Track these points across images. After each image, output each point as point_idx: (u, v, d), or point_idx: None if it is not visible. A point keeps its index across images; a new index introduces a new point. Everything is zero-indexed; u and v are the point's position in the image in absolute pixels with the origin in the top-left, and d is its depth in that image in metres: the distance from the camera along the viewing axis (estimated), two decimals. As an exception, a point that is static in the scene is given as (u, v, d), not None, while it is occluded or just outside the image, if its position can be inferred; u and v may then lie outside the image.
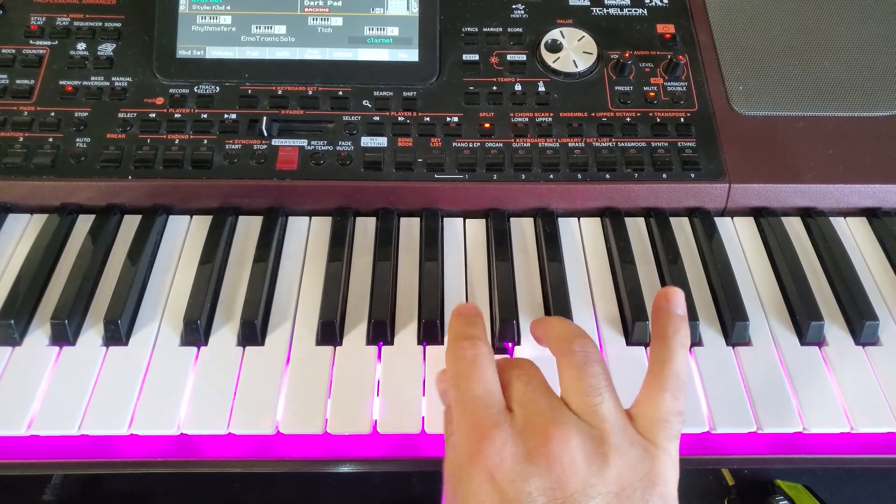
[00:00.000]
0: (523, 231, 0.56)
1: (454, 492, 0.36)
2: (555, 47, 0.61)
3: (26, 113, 0.57)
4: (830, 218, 0.57)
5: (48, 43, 0.60)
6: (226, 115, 0.57)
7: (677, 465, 0.36)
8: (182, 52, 0.59)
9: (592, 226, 0.57)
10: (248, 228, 0.56)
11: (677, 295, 0.40)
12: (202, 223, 0.56)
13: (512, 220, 0.57)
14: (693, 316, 0.49)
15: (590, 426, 0.35)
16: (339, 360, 0.47)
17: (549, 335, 0.40)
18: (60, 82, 0.58)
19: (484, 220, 0.57)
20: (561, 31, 0.62)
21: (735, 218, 0.58)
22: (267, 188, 0.55)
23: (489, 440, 0.34)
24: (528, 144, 0.57)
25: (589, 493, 0.33)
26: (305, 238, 0.55)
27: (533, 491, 0.33)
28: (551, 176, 0.56)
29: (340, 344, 0.48)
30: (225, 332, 0.49)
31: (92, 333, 0.48)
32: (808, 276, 0.53)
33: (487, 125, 0.58)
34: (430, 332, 0.48)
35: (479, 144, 0.57)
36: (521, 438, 0.34)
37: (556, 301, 0.50)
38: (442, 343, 0.49)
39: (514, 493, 0.33)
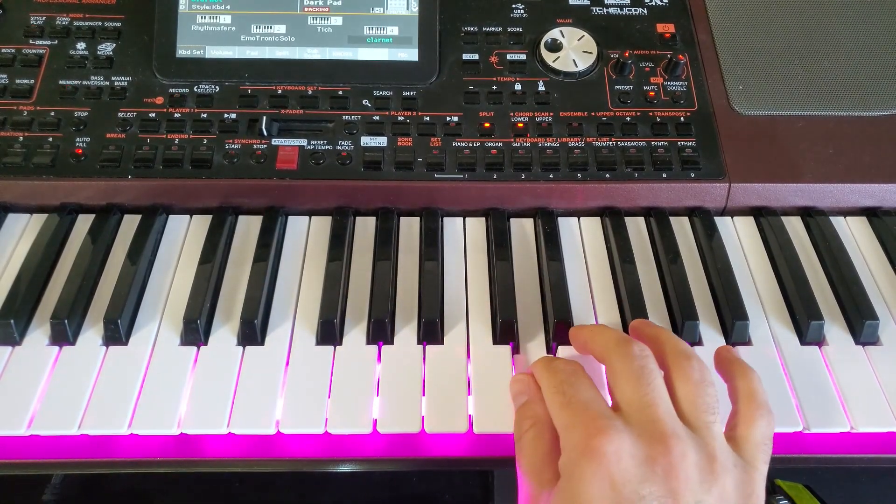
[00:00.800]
0: (523, 231, 0.56)
1: (539, 488, 0.36)
2: (555, 47, 0.61)
3: (26, 112, 0.57)
4: (830, 217, 0.57)
5: (48, 42, 0.60)
6: (225, 115, 0.57)
7: (763, 487, 0.37)
8: (182, 52, 0.59)
9: (592, 225, 0.57)
10: (248, 228, 0.56)
11: (734, 349, 0.45)
12: (202, 223, 0.56)
13: (512, 219, 0.57)
14: (693, 316, 0.49)
15: (703, 442, 0.36)
16: (338, 359, 0.47)
17: (664, 348, 0.40)
18: (60, 82, 0.58)
19: (484, 220, 0.57)
20: (561, 31, 0.62)
21: (735, 217, 0.58)
22: (267, 188, 0.55)
23: (607, 438, 0.34)
24: (528, 144, 0.57)
25: None
26: (305, 237, 0.55)
27: (647, 496, 0.33)
28: (551, 175, 0.56)
29: (340, 343, 0.48)
30: (225, 332, 0.49)
31: (92, 333, 0.48)
32: (808, 276, 0.53)
33: (487, 125, 0.58)
34: (430, 332, 0.48)
35: (478, 144, 0.57)
36: (640, 441, 0.35)
37: (556, 301, 0.50)
38: (442, 342, 0.49)
39: (629, 493, 0.33)
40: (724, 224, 0.57)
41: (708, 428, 0.36)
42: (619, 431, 0.35)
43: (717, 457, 0.35)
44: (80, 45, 0.60)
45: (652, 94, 0.59)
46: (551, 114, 0.58)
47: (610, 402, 0.39)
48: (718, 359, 0.44)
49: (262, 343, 0.48)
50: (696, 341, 0.49)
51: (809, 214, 0.58)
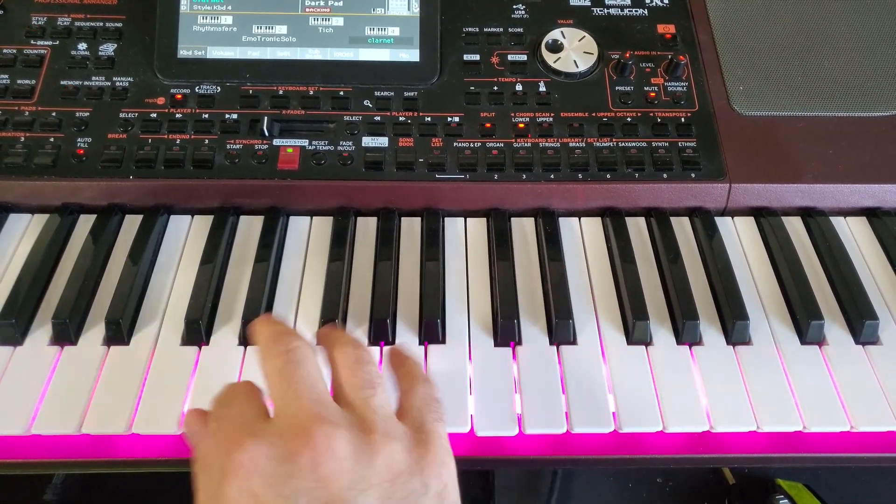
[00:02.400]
0: (524, 231, 0.56)
1: None
2: (555, 47, 0.61)
3: (27, 113, 0.57)
4: (831, 218, 0.58)
5: (49, 43, 0.60)
6: (227, 115, 0.57)
7: (449, 449, 0.36)
8: (183, 52, 0.59)
9: (593, 225, 0.57)
10: (250, 228, 0.56)
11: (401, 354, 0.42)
12: (203, 223, 0.56)
13: (513, 219, 0.57)
14: (693, 315, 0.49)
15: (360, 418, 0.34)
16: (340, 359, 0.47)
17: (326, 340, 0.40)
18: (61, 82, 0.58)
19: (485, 220, 0.57)
20: (562, 32, 0.62)
21: (735, 217, 0.58)
22: (268, 188, 0.55)
23: (240, 447, 0.32)
24: (529, 144, 0.57)
25: (359, 487, 0.31)
26: (306, 238, 0.55)
27: (294, 492, 0.31)
28: (552, 176, 0.56)
29: (342, 343, 0.48)
30: (226, 332, 0.49)
31: (93, 333, 0.48)
32: (809, 276, 0.53)
33: (488, 125, 0.58)
34: (432, 332, 0.49)
35: (479, 144, 0.57)
36: (281, 440, 0.32)
37: (557, 301, 0.50)
38: (443, 342, 0.49)
39: (272, 499, 0.30)
40: (724, 224, 0.57)
41: (366, 403, 0.35)
42: (256, 438, 0.32)
43: (376, 427, 0.33)
44: (82, 46, 0.60)
45: (652, 94, 0.60)
46: (552, 114, 0.58)
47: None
48: (386, 363, 0.42)
49: (263, 343, 0.48)
50: (696, 341, 0.49)
51: (810, 215, 0.58)
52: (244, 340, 0.48)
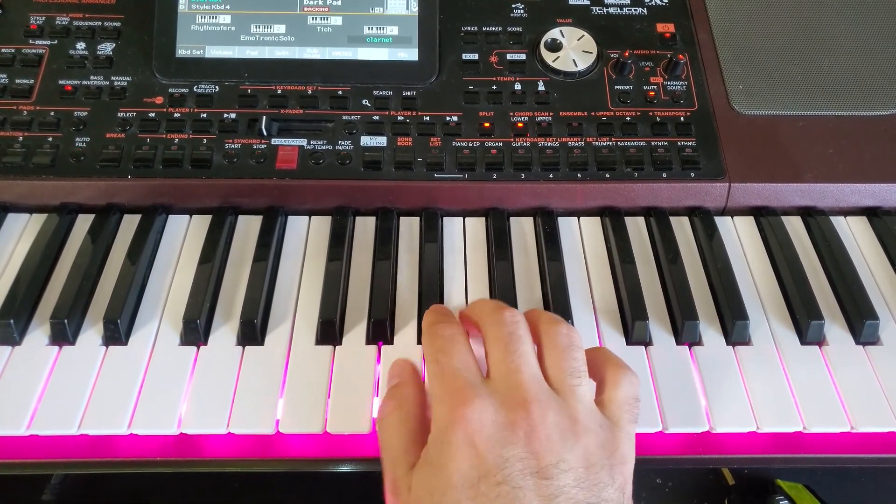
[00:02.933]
0: (523, 230, 0.56)
1: (401, 472, 0.37)
2: (554, 46, 0.61)
3: (26, 112, 0.57)
4: (831, 217, 0.57)
5: (47, 42, 0.60)
6: (225, 115, 0.57)
7: (634, 448, 0.39)
8: (181, 52, 0.59)
9: (592, 225, 0.57)
10: (248, 228, 0.56)
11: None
12: (202, 223, 0.56)
13: (512, 219, 0.57)
14: (693, 315, 0.49)
15: (566, 404, 0.37)
16: (338, 359, 0.47)
17: (534, 318, 0.42)
18: (60, 82, 0.58)
19: (484, 220, 0.57)
20: (560, 31, 0.62)
21: (735, 217, 0.58)
22: (266, 187, 0.55)
23: (470, 405, 0.36)
24: (528, 144, 0.57)
25: (561, 467, 0.35)
26: (305, 237, 0.55)
27: (511, 457, 0.34)
28: (551, 175, 0.56)
29: (340, 343, 0.48)
30: (224, 332, 0.49)
31: (91, 333, 0.48)
32: (809, 276, 0.53)
33: (487, 124, 0.57)
34: (430, 332, 0.48)
35: (478, 144, 0.57)
36: (503, 408, 0.36)
37: (556, 300, 0.50)
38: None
39: (492, 457, 0.34)
40: (724, 224, 0.57)
41: (572, 391, 0.38)
42: (483, 399, 0.36)
43: (580, 418, 0.37)
44: (80, 45, 0.60)
45: (652, 93, 0.59)
46: (551, 113, 0.58)
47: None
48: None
49: (261, 343, 0.48)
50: (696, 341, 0.49)
51: (810, 214, 0.58)
52: (243, 339, 0.48)
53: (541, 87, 0.59)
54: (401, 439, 0.39)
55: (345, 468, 0.46)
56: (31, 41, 0.60)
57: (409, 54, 0.60)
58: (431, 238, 0.54)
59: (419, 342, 0.48)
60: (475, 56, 0.61)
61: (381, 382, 0.46)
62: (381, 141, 0.57)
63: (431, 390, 0.39)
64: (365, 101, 0.58)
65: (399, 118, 0.58)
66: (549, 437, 0.35)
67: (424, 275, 0.52)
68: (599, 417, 0.38)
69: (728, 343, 0.49)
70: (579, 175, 0.56)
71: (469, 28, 0.62)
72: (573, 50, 0.61)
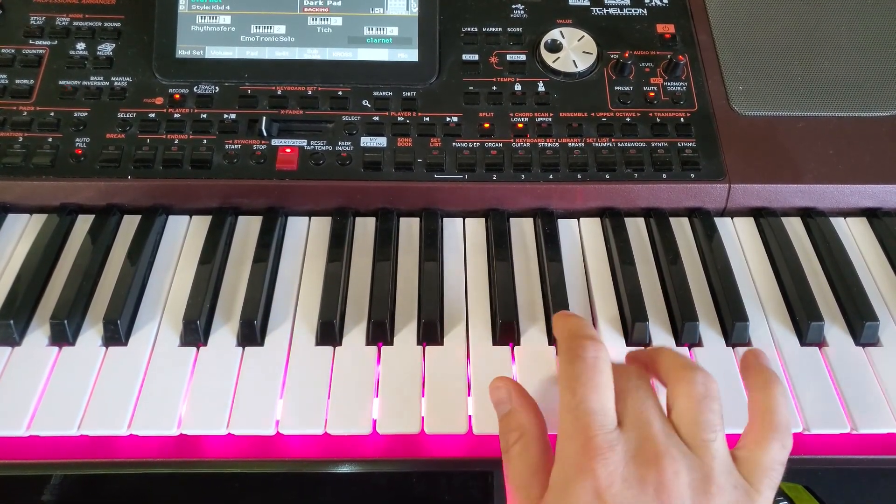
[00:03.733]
0: (523, 231, 0.56)
1: (530, 502, 0.36)
2: (554, 47, 0.61)
3: (26, 113, 0.57)
4: (830, 218, 0.57)
5: (47, 43, 0.60)
6: (225, 115, 0.57)
7: None
8: (181, 52, 0.59)
9: (592, 226, 0.57)
10: (248, 228, 0.56)
11: (764, 354, 0.43)
12: (202, 223, 0.56)
13: (511, 220, 0.57)
14: (693, 317, 0.49)
15: (700, 461, 0.35)
16: (338, 360, 0.47)
17: (665, 361, 0.40)
18: (60, 82, 0.58)
19: (483, 220, 0.57)
20: (561, 31, 0.62)
21: (735, 218, 0.58)
22: (266, 188, 0.55)
23: (602, 460, 0.34)
24: (528, 144, 0.57)
25: None
26: (305, 238, 0.55)
27: None
28: (551, 176, 0.56)
29: (340, 344, 0.48)
30: (224, 332, 0.49)
31: (91, 333, 0.48)
32: (808, 277, 0.52)
33: (487, 125, 0.57)
34: (430, 333, 0.48)
35: (478, 144, 0.57)
36: (633, 463, 0.34)
37: (556, 301, 0.50)
38: (441, 343, 0.49)
39: None
40: (724, 225, 0.57)
41: (706, 447, 0.36)
42: (616, 453, 0.35)
43: (714, 478, 0.35)
44: (80, 46, 0.60)
45: (652, 94, 0.59)
46: (551, 114, 0.58)
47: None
48: (744, 363, 0.43)
49: (261, 343, 0.48)
50: (695, 342, 0.49)
51: (809, 215, 0.58)
52: (243, 340, 0.48)
53: (541, 88, 0.59)
54: (525, 470, 0.38)
55: (345, 469, 0.46)
56: (31, 41, 0.60)
57: (410, 55, 0.60)
58: (431, 239, 0.54)
59: (419, 343, 0.48)
60: (475, 57, 0.61)
61: (382, 383, 0.46)
62: (381, 142, 0.57)
63: (562, 422, 0.37)
64: (365, 102, 0.58)
65: (399, 119, 0.58)
66: (679, 496, 0.34)
67: (424, 276, 0.52)
68: (736, 477, 0.36)
69: (728, 344, 0.49)
70: (579, 176, 0.56)
71: (469, 29, 0.62)
72: (573, 51, 0.61)
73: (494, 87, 0.59)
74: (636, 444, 0.35)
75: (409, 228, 0.56)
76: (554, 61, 0.60)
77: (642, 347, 0.49)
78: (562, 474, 0.35)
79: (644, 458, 0.35)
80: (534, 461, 0.38)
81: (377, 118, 0.58)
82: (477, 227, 0.57)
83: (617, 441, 0.35)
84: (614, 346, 0.49)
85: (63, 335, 0.47)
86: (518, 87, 0.59)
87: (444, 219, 0.57)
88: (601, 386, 0.37)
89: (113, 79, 0.58)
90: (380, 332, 0.48)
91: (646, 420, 0.36)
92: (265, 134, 0.56)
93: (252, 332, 0.48)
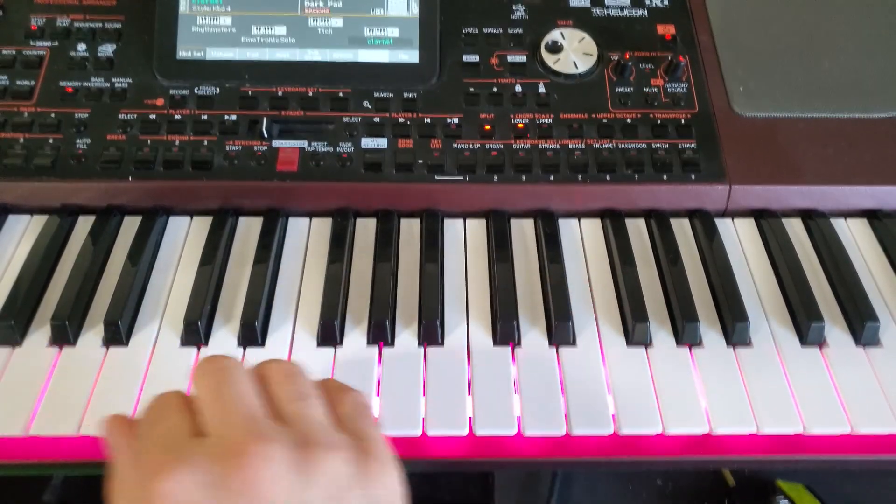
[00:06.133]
0: (523, 232, 0.56)
1: None
2: (555, 48, 0.61)
3: (26, 114, 0.57)
4: (831, 219, 0.57)
5: (48, 44, 0.60)
6: (226, 117, 0.57)
7: (390, 452, 0.34)
8: (182, 53, 0.59)
9: (593, 227, 0.57)
10: (249, 229, 0.56)
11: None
12: (202, 224, 0.56)
13: (512, 221, 0.57)
14: (693, 317, 0.49)
15: (297, 432, 0.31)
16: (339, 361, 0.47)
17: (258, 370, 0.36)
18: (60, 83, 0.58)
19: (484, 221, 0.57)
20: (561, 33, 0.62)
21: (735, 219, 0.58)
22: (267, 189, 0.55)
23: (165, 476, 0.28)
24: (529, 146, 0.57)
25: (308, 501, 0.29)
26: (306, 239, 0.55)
27: None
28: (551, 177, 0.56)
29: (341, 345, 0.48)
30: (225, 333, 0.49)
31: (92, 334, 0.48)
32: (809, 278, 0.53)
33: (488, 126, 0.58)
34: (431, 333, 0.48)
35: (479, 145, 0.57)
36: (213, 464, 0.29)
37: (556, 302, 0.50)
38: (442, 344, 0.49)
39: None
40: (724, 226, 0.57)
41: (300, 415, 0.32)
42: (182, 462, 0.29)
43: (314, 439, 0.31)
44: (81, 47, 0.60)
45: (652, 95, 0.59)
46: (552, 115, 0.58)
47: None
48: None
49: (262, 344, 0.48)
50: (696, 343, 0.49)
51: (810, 216, 0.58)
52: (243, 341, 0.48)
53: (541, 89, 0.60)
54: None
55: (345, 470, 0.46)
56: (31, 42, 0.60)
57: (410, 56, 0.60)
58: (432, 240, 0.54)
59: (419, 344, 0.49)
60: (476, 58, 0.61)
61: (382, 384, 0.46)
62: (382, 142, 0.57)
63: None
64: (366, 103, 0.58)
65: (400, 120, 0.58)
66: (274, 477, 0.29)
67: (425, 277, 0.52)
68: (341, 434, 0.32)
69: (728, 344, 0.49)
70: (580, 177, 0.56)
71: (470, 30, 0.62)
72: (574, 52, 0.61)
73: (495, 89, 0.59)
74: (214, 444, 0.30)
75: (410, 229, 0.56)
76: (554, 62, 0.60)
77: (643, 349, 0.49)
78: None
79: (224, 452, 0.29)
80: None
81: (378, 119, 0.58)
82: (477, 227, 0.57)
83: (187, 449, 0.30)
84: (615, 347, 0.49)
85: (64, 336, 0.47)
86: (518, 89, 0.60)
87: (445, 220, 0.57)
88: (167, 413, 0.33)
89: (114, 80, 0.58)
90: (380, 333, 0.49)
91: (223, 414, 0.32)
92: (266, 135, 0.56)
93: (253, 333, 0.48)
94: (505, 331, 0.49)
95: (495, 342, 0.49)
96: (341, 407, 0.35)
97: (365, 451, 0.32)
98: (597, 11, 0.63)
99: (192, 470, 0.29)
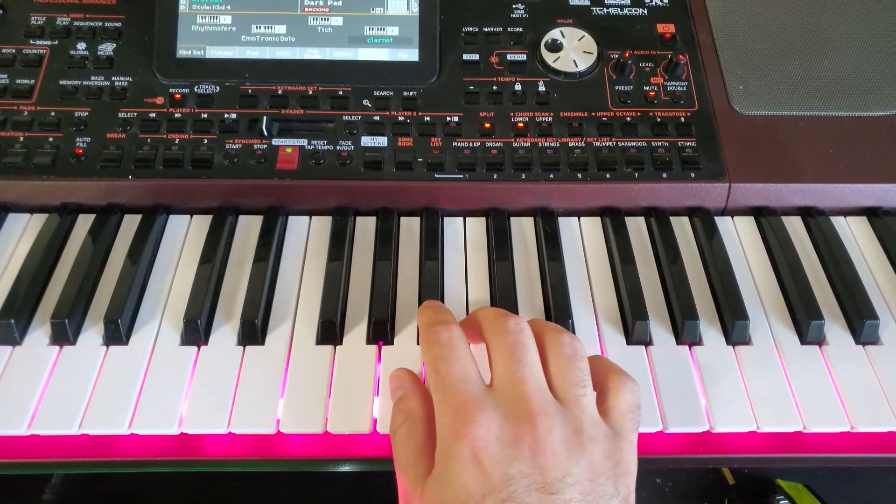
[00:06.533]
0: (523, 230, 0.56)
1: (413, 483, 0.37)
2: (555, 47, 0.61)
3: (26, 112, 0.57)
4: (831, 217, 0.57)
5: (48, 43, 0.60)
6: (226, 115, 0.57)
7: (636, 458, 0.38)
8: (182, 52, 0.59)
9: (592, 225, 0.57)
10: (249, 228, 0.56)
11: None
12: (202, 223, 0.56)
13: (512, 219, 0.57)
14: (693, 315, 0.49)
15: (571, 415, 0.37)
16: (339, 359, 0.47)
17: (537, 327, 0.41)
18: (61, 82, 0.58)
19: (484, 220, 0.57)
20: (561, 31, 0.62)
21: (735, 217, 0.58)
22: (267, 188, 0.55)
23: (475, 423, 0.35)
24: (529, 144, 0.57)
25: (567, 481, 0.34)
26: (305, 237, 0.55)
27: (516, 474, 0.34)
28: (551, 175, 0.56)
29: (341, 343, 0.48)
30: (225, 332, 0.49)
31: (92, 333, 0.48)
32: (809, 276, 0.53)
33: (487, 125, 0.58)
34: (431, 332, 0.48)
35: (479, 144, 0.57)
36: (507, 422, 0.35)
37: (556, 300, 0.50)
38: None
39: (497, 475, 0.34)
40: (724, 224, 0.57)
41: (577, 401, 0.38)
42: (488, 415, 0.36)
43: (585, 429, 0.36)
44: (81, 46, 0.60)
45: (652, 94, 0.59)
46: (551, 114, 0.58)
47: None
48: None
49: (262, 343, 0.48)
50: (696, 341, 0.49)
51: (810, 214, 0.58)
52: (243, 340, 0.48)
53: (541, 88, 0.60)
54: (410, 451, 0.39)
55: (345, 468, 0.46)
56: (31, 41, 0.60)
57: (410, 55, 0.60)
58: (432, 239, 0.54)
59: (419, 342, 0.48)
60: (476, 56, 0.61)
61: (382, 382, 0.46)
62: (382, 141, 0.57)
63: (435, 401, 0.38)
64: (365, 102, 0.58)
65: (400, 118, 0.58)
66: (554, 451, 0.35)
67: (425, 275, 0.52)
68: (605, 427, 0.38)
69: (728, 343, 0.49)
70: (580, 175, 0.56)
71: (470, 28, 0.62)
72: (574, 50, 0.61)
73: (495, 87, 0.59)
74: (509, 404, 0.36)
75: (410, 228, 0.56)
76: (554, 61, 0.60)
77: (642, 347, 0.49)
78: (442, 447, 0.36)
79: (518, 415, 0.36)
80: (418, 442, 0.39)
81: (378, 118, 0.58)
82: (477, 226, 0.57)
83: (487, 404, 0.36)
84: (615, 345, 0.49)
85: (64, 334, 0.47)
86: (518, 87, 0.60)
87: (445, 218, 0.57)
88: (461, 359, 0.39)
89: (113, 78, 0.58)
90: (380, 332, 0.49)
91: (518, 380, 0.37)
92: (266, 133, 0.56)
93: (253, 332, 0.48)
94: (505, 329, 0.49)
95: (495, 340, 0.49)
96: (617, 400, 0.39)
97: (620, 450, 0.37)
98: (596, 10, 0.63)
99: (494, 423, 0.35)
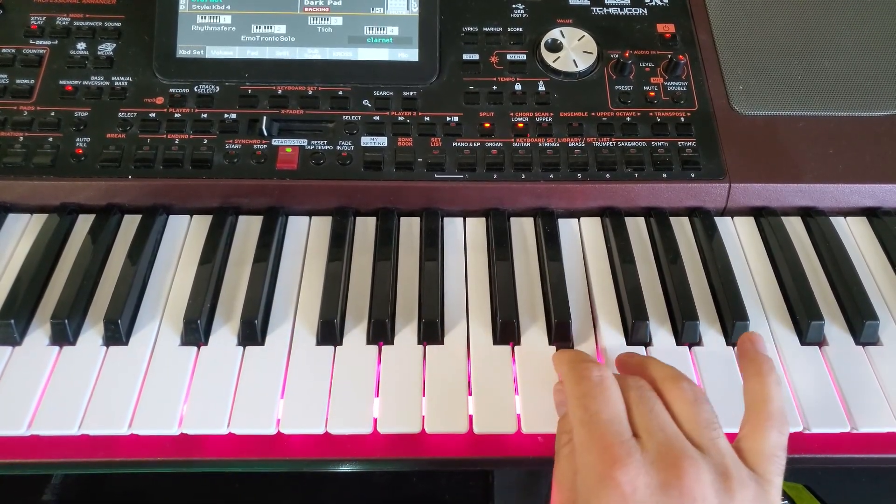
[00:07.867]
0: (523, 231, 0.56)
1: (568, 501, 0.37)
2: (555, 47, 0.61)
3: (26, 112, 0.57)
4: (831, 217, 0.57)
5: (48, 42, 0.60)
6: (226, 115, 0.57)
7: (779, 492, 0.37)
8: (182, 52, 0.59)
9: (592, 225, 0.57)
10: (248, 228, 0.56)
11: (760, 338, 0.43)
12: (202, 223, 0.56)
13: (512, 219, 0.57)
14: (693, 316, 0.49)
15: (713, 460, 0.36)
16: (339, 359, 0.47)
17: (652, 374, 0.41)
18: (60, 82, 0.58)
19: (484, 220, 0.57)
20: (561, 31, 0.62)
21: (735, 217, 0.58)
22: (267, 188, 0.55)
23: (623, 467, 0.35)
24: (528, 144, 0.57)
25: None
26: (305, 238, 0.55)
27: None
28: (551, 176, 0.56)
29: (340, 344, 0.48)
30: (225, 332, 0.49)
31: (92, 333, 0.48)
32: (809, 276, 0.53)
33: (487, 125, 0.58)
34: (431, 332, 0.48)
35: (479, 144, 0.57)
36: (653, 468, 0.35)
37: (556, 301, 0.50)
38: (442, 343, 0.49)
39: None
40: (724, 224, 0.57)
41: (714, 444, 0.37)
42: (635, 460, 0.35)
43: (732, 473, 0.36)
44: (81, 45, 0.60)
45: (652, 94, 0.59)
46: (551, 114, 0.58)
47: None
48: (741, 349, 0.44)
49: (262, 343, 0.48)
50: (696, 341, 0.49)
51: (810, 214, 0.58)
52: (243, 340, 0.48)
53: (541, 88, 0.60)
54: (570, 471, 0.38)
55: (345, 468, 0.46)
56: (31, 41, 0.60)
57: (410, 55, 0.60)
58: (432, 239, 0.54)
59: (419, 343, 0.49)
60: (476, 56, 0.61)
61: (382, 382, 0.46)
62: (382, 141, 0.57)
63: (579, 435, 0.38)
64: (365, 102, 0.58)
65: (399, 118, 0.58)
66: (704, 498, 0.34)
67: (425, 275, 0.52)
68: (748, 470, 0.37)
69: (728, 343, 0.49)
70: (579, 175, 0.56)
71: (469, 28, 0.62)
72: (573, 50, 0.61)
73: (495, 87, 0.59)
74: (654, 450, 0.36)
75: (410, 228, 0.56)
76: (554, 61, 0.60)
77: (642, 347, 0.49)
78: (586, 484, 0.36)
79: (664, 462, 0.35)
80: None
81: (378, 118, 0.58)
82: (477, 226, 0.57)
83: (634, 448, 0.36)
84: (615, 346, 0.49)
85: (64, 335, 0.47)
86: (518, 87, 0.59)
87: (445, 218, 0.57)
88: (611, 399, 0.38)
89: (113, 78, 0.58)
90: (380, 332, 0.49)
91: (659, 426, 0.37)
92: (266, 133, 0.56)
93: (253, 332, 0.48)
94: (505, 329, 0.49)
95: (495, 341, 0.49)
96: (762, 442, 0.38)
97: (766, 495, 0.36)
98: (596, 10, 0.63)
99: (642, 470, 0.35)
